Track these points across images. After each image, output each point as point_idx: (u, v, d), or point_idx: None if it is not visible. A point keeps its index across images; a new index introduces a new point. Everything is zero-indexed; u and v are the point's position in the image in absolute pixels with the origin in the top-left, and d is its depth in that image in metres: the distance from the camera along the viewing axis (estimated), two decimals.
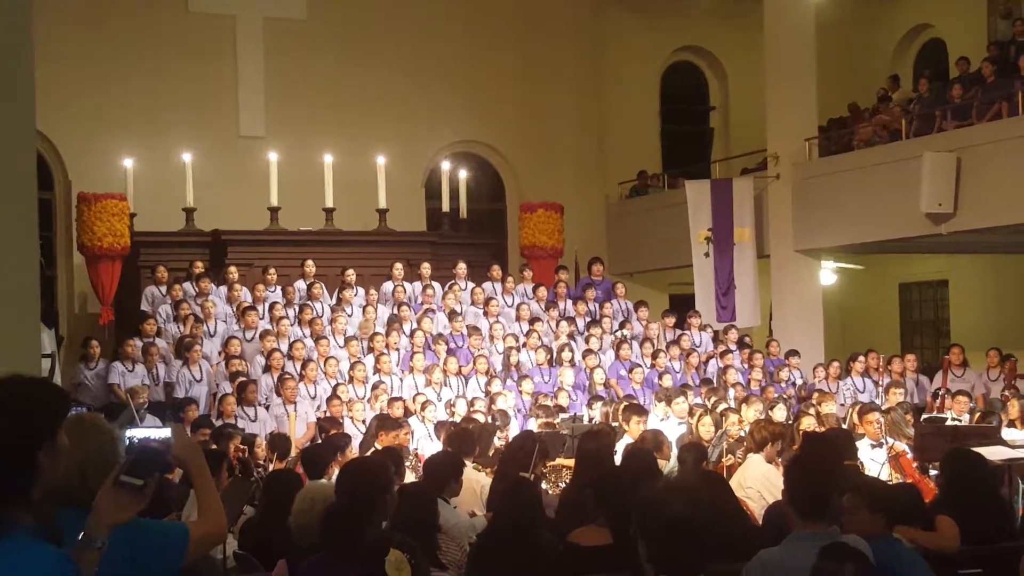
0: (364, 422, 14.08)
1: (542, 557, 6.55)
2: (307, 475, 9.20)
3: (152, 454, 3.55)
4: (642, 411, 12.98)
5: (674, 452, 11.11)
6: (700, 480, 7.83)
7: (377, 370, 15.85)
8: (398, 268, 18.16)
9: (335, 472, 9.68)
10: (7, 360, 6.24)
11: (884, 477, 10.97)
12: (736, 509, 7.86)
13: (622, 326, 18.41)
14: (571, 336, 17.70)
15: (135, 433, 3.73)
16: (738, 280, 20.62)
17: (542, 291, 18.84)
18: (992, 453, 9.86)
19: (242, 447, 12.03)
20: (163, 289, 17.22)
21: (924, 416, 14.73)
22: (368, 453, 11.64)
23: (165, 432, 4.04)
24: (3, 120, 6.74)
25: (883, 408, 13.22)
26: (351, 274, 17.75)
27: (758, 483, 9.61)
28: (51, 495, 3.43)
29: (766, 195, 20.80)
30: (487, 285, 18.58)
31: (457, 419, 14.05)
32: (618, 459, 9.63)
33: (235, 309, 16.95)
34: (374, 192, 19.40)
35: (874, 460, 11.32)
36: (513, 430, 14.02)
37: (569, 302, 18.93)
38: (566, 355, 16.76)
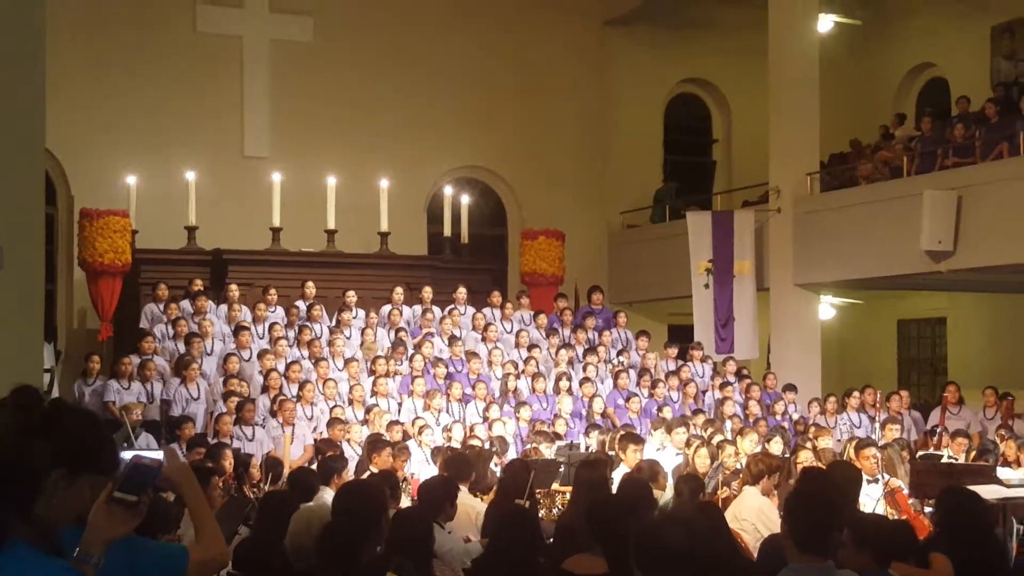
0: (361, 444, 14.08)
1: None
2: (295, 497, 9.17)
3: (144, 470, 3.56)
4: (639, 440, 13.01)
5: (670, 482, 11.14)
6: (696, 511, 7.82)
7: (374, 393, 15.85)
8: (398, 292, 18.20)
9: (325, 494, 9.71)
10: (9, 373, 6.26)
11: (879, 512, 10.96)
12: (731, 541, 7.86)
13: (620, 354, 18.44)
14: (570, 364, 17.73)
15: (126, 456, 3.73)
16: (737, 312, 20.65)
17: (542, 318, 18.88)
18: (987, 492, 9.86)
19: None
20: (162, 307, 17.23)
21: (920, 453, 14.74)
22: (364, 476, 11.64)
23: (158, 454, 4.02)
24: (13, 140, 6.78)
25: (880, 444, 13.23)
26: (352, 296, 17.78)
27: (753, 516, 9.61)
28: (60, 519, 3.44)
29: (767, 228, 20.84)
30: (487, 311, 18.62)
31: (454, 444, 14.08)
32: (614, 488, 9.64)
33: (233, 328, 16.97)
34: (376, 215, 19.47)
35: (869, 496, 11.32)
36: (511, 457, 14.05)
37: (567, 330, 18.96)
38: (564, 384, 16.78)
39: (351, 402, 15.71)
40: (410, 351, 16.91)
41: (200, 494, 4.11)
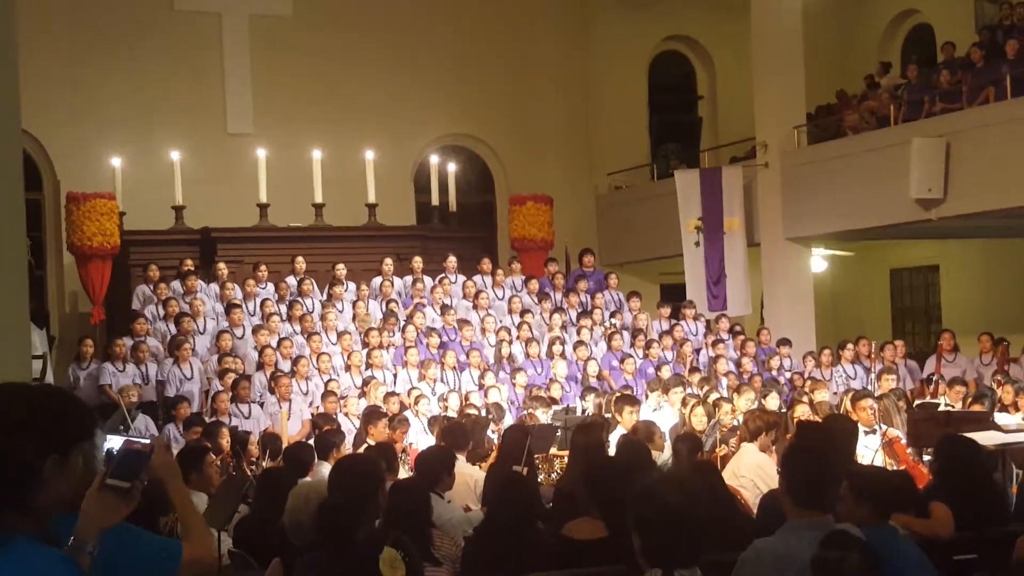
0: (359, 417, 14.07)
1: (537, 551, 6.54)
2: (290, 473, 9.16)
3: (136, 455, 3.52)
4: (634, 401, 12.99)
5: (667, 442, 11.13)
6: (693, 470, 7.82)
7: (369, 365, 15.83)
8: (388, 263, 18.14)
9: (323, 469, 9.72)
10: None
11: (878, 463, 10.97)
12: (730, 499, 7.85)
13: (612, 316, 18.42)
14: (563, 327, 17.70)
15: (114, 443, 3.65)
16: (729, 269, 20.62)
17: (534, 283, 18.83)
18: (985, 438, 9.86)
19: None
20: (152, 287, 17.17)
21: (917, 402, 14.75)
22: (361, 448, 11.63)
23: (145, 442, 3.94)
24: None
25: (876, 395, 13.23)
26: (341, 269, 17.73)
27: (752, 472, 9.62)
28: (57, 504, 3.42)
29: (755, 183, 20.79)
30: (477, 278, 18.57)
31: (450, 413, 14.06)
32: (612, 450, 9.64)
33: (225, 306, 16.91)
34: (363, 187, 19.38)
35: (867, 447, 11.32)
36: (506, 422, 14.07)
37: (559, 294, 18.92)
38: (557, 348, 16.75)
39: (348, 368, 15.71)
40: (402, 322, 16.88)
41: (185, 491, 4.03)
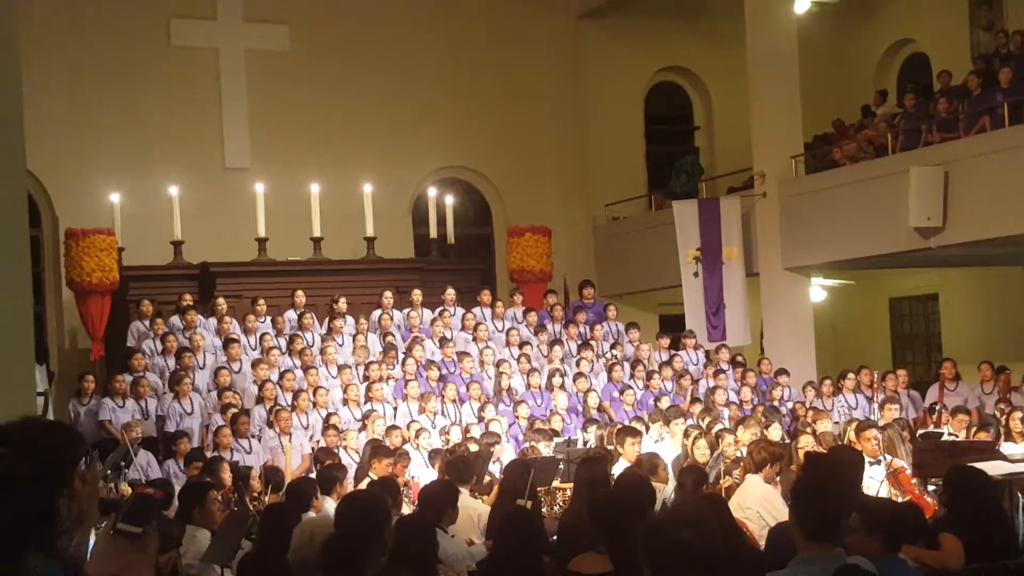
0: (359, 451, 14.01)
1: None
2: (293, 508, 9.10)
3: (148, 501, 3.48)
4: (635, 433, 12.91)
5: (671, 474, 11.08)
6: (702, 503, 7.76)
7: (369, 398, 15.77)
8: (387, 296, 18.11)
9: (327, 504, 9.67)
10: (1, 398, 6.17)
11: (883, 494, 10.91)
12: (738, 532, 7.81)
13: (612, 347, 18.38)
14: (563, 360, 17.66)
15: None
16: (728, 299, 20.58)
17: (532, 316, 18.79)
18: (992, 468, 9.82)
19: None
20: (147, 323, 17.14)
21: (920, 431, 14.69)
22: (364, 482, 11.58)
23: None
24: None
25: (880, 425, 13.18)
26: (342, 303, 17.71)
27: (757, 504, 9.55)
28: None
29: (753, 213, 20.79)
30: (476, 310, 18.54)
31: (451, 446, 14.01)
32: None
33: (223, 341, 16.87)
34: (361, 220, 19.38)
35: (872, 478, 11.27)
36: (508, 454, 14.01)
37: (559, 325, 18.88)
38: (557, 380, 16.70)
39: (346, 402, 15.65)
40: (401, 355, 16.83)
41: None
